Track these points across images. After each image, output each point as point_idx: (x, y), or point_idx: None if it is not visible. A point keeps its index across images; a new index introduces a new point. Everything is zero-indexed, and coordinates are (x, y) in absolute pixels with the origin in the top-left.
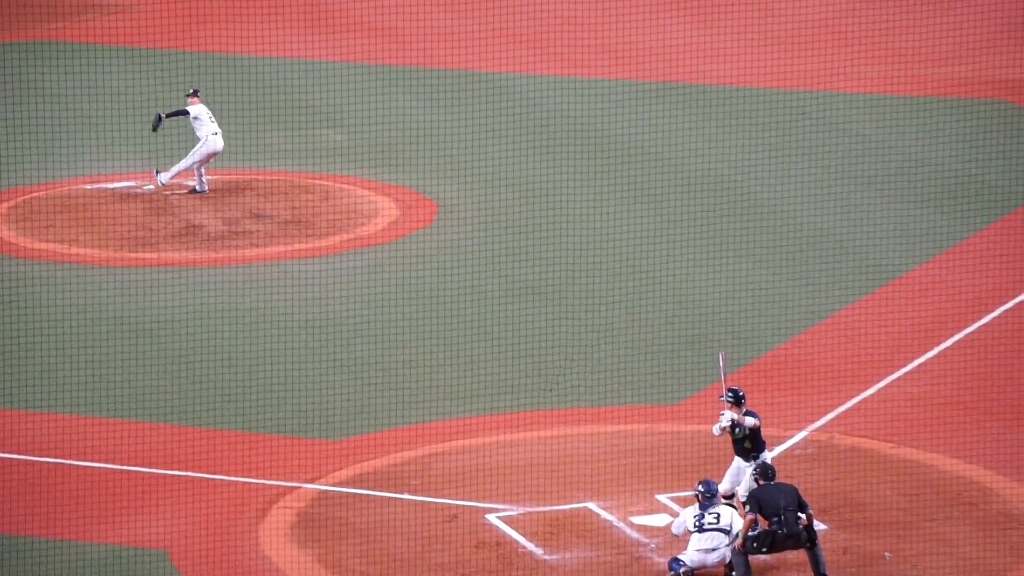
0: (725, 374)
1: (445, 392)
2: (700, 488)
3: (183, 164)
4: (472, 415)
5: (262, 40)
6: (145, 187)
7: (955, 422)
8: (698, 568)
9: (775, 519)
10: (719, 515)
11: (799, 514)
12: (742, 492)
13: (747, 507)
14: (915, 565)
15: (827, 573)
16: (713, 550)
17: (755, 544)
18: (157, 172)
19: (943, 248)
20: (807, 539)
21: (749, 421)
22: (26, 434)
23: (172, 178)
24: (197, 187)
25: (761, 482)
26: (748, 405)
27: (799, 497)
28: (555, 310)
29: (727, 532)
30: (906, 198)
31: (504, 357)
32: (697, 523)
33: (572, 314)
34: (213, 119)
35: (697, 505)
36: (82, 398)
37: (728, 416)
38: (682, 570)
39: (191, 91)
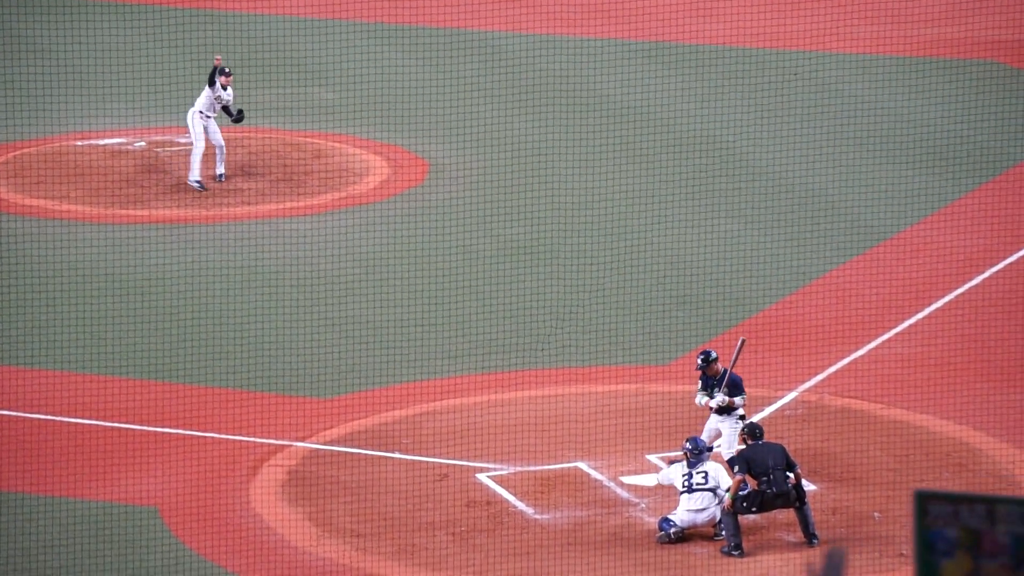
0: (736, 358)
1: (436, 351)
2: (688, 446)
3: (198, 154)
4: (462, 374)
5: None
6: (136, 144)
7: (945, 383)
8: (688, 527)
9: (764, 478)
10: (707, 473)
11: (787, 473)
12: (725, 451)
13: (735, 467)
14: (904, 526)
15: (816, 533)
16: (703, 510)
17: (744, 504)
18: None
19: (934, 209)
20: (796, 498)
21: (738, 401)
22: (15, 390)
23: (198, 170)
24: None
25: (749, 442)
26: (738, 367)
27: (787, 456)
28: (546, 270)
29: (715, 490)
30: (897, 159)
31: (495, 317)
32: (686, 483)
33: (563, 274)
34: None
35: (685, 463)
36: (72, 355)
37: (719, 398)
38: (672, 530)
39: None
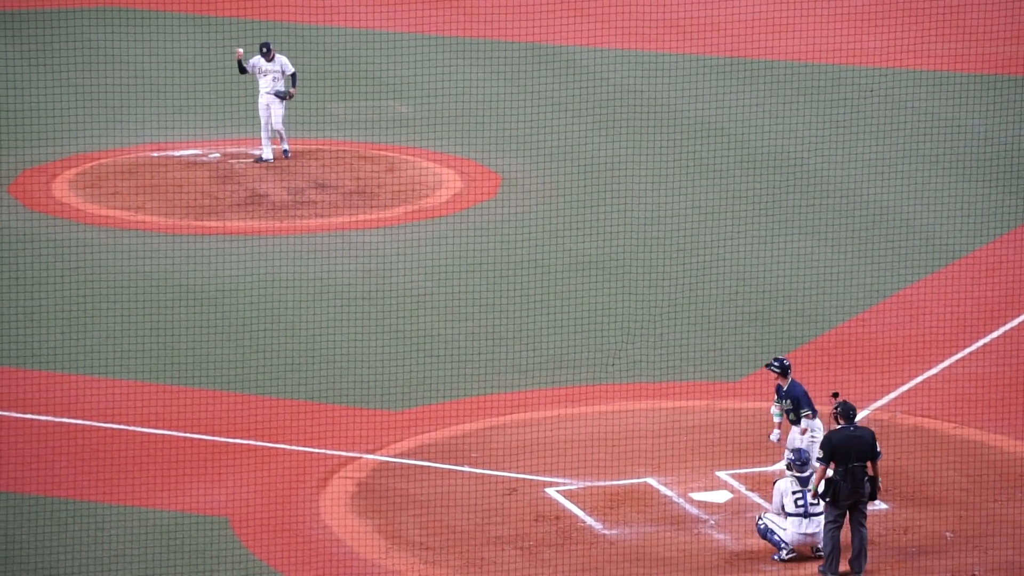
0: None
1: (506, 365)
2: (791, 456)
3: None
4: (533, 388)
5: (329, 10)
6: (211, 155)
7: (1019, 403)
8: (797, 545)
9: (841, 469)
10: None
11: (867, 467)
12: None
13: (819, 454)
14: (977, 546)
15: (864, 568)
16: (815, 533)
17: (823, 494)
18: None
19: (1009, 228)
20: (870, 493)
21: (815, 423)
22: (90, 400)
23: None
24: (264, 156)
25: (841, 422)
26: (808, 385)
27: (873, 447)
28: (617, 285)
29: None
30: (973, 177)
31: (566, 331)
32: (799, 504)
33: (634, 289)
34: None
35: (792, 480)
36: (146, 365)
37: (778, 412)
38: (786, 555)
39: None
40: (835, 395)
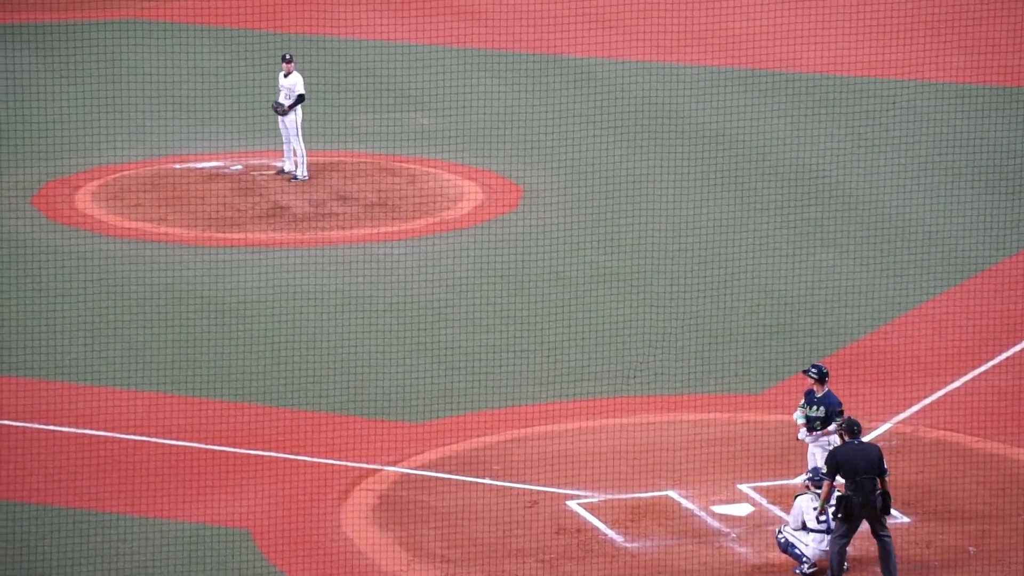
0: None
1: (527, 377)
2: (809, 475)
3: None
4: (554, 401)
5: (351, 22)
6: (233, 167)
7: None
8: (819, 560)
9: (851, 483)
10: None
11: (876, 480)
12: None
13: (826, 469)
14: (1000, 560)
15: (896, 572)
16: None
17: (833, 511)
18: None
19: None
20: (882, 508)
21: (832, 428)
22: (112, 412)
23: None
24: (299, 174)
25: (846, 438)
26: (831, 385)
27: (881, 462)
28: (639, 297)
29: None
30: (995, 190)
31: (587, 343)
32: (823, 523)
33: (656, 301)
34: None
35: (813, 496)
36: (168, 377)
37: (802, 416)
38: (808, 568)
39: (289, 57)
40: (840, 412)
